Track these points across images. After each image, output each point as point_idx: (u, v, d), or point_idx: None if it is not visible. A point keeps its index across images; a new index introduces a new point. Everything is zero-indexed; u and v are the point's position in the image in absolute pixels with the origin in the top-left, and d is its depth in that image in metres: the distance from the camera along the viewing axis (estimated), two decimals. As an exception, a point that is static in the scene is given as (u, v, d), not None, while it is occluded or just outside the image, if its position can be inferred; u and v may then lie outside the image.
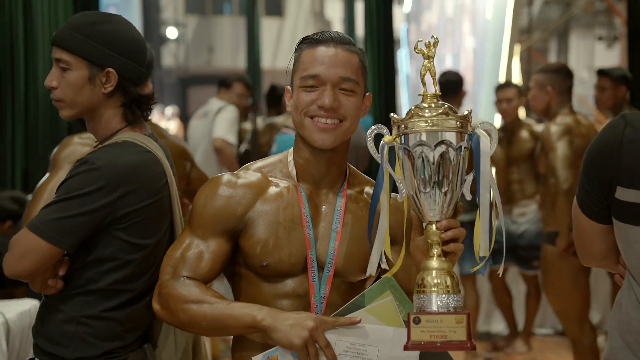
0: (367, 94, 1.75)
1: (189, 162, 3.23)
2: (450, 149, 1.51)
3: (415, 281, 1.54)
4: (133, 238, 1.83)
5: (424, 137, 1.50)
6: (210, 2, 18.55)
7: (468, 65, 8.41)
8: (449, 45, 9.60)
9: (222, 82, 5.70)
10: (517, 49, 6.59)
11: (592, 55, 14.85)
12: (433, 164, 1.50)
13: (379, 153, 1.55)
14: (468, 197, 1.56)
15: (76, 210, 1.78)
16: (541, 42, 14.89)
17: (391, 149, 1.55)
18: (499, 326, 5.39)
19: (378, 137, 1.58)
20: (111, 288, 1.84)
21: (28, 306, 3.32)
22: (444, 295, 1.50)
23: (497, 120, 5.27)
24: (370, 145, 1.57)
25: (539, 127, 4.77)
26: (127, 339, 1.85)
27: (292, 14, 18.63)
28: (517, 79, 6.74)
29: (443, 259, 1.53)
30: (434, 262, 1.53)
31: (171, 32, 17.26)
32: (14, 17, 4.84)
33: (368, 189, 1.76)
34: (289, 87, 1.74)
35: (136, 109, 1.94)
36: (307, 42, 1.71)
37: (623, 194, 1.51)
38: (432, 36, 1.58)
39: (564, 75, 3.96)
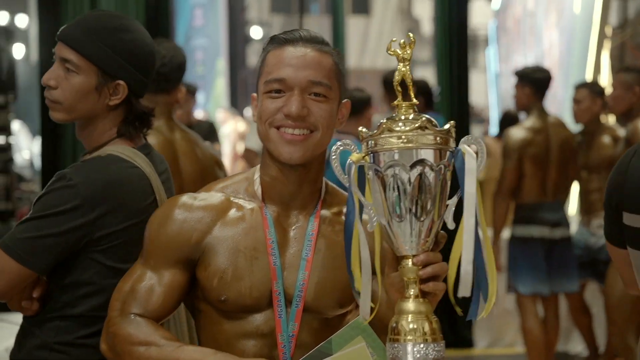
0: (344, 100, 1.50)
1: (222, 172, 3.05)
2: (428, 169, 1.25)
3: (389, 326, 1.28)
4: (112, 262, 1.65)
5: (396, 156, 1.25)
6: (295, 1, 18.56)
7: (553, 63, 8.02)
8: (532, 41, 9.22)
9: None
10: (608, 44, 6.19)
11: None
12: (409, 187, 1.24)
13: (345, 174, 1.30)
14: (451, 225, 1.30)
15: (49, 230, 1.63)
16: (638, 36, 14.16)
17: (360, 169, 1.29)
18: (578, 347, 5.04)
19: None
20: (88, 314, 1.66)
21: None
22: (421, 345, 1.25)
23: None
24: (336, 165, 1.32)
25: (623, 132, 4.39)
26: None
27: (379, 12, 18.41)
28: (605, 77, 6.34)
29: (421, 300, 1.28)
30: (410, 304, 1.28)
31: (256, 32, 17.32)
32: (77, 13, 4.81)
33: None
34: (254, 95, 1.51)
35: (135, 124, 1.76)
36: (274, 42, 1.48)
37: (629, 219, 1.51)
38: (408, 35, 1.32)
39: None
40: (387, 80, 4.74)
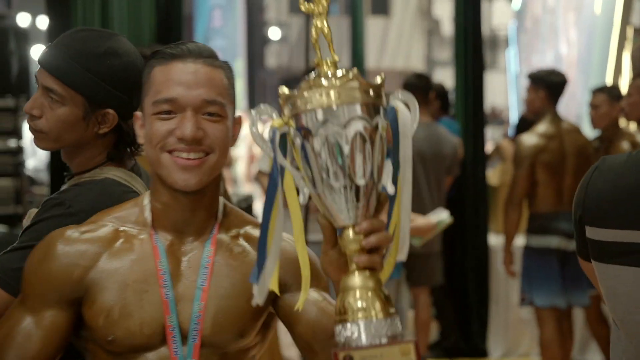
0: (237, 116, 1.39)
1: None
2: (367, 126, 1.13)
3: (336, 307, 1.16)
4: None
5: (322, 116, 1.13)
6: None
7: (571, 63, 7.91)
8: (550, 41, 9.12)
9: None
10: (629, 46, 6.07)
11: None
12: (346, 148, 1.13)
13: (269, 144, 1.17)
14: (391, 190, 1.18)
15: None
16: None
17: (282, 137, 1.17)
18: (595, 357, 4.94)
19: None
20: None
21: None
22: (374, 321, 1.12)
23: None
24: (255, 131, 1.18)
25: (643, 138, 4.28)
26: None
27: (399, 13, 18.32)
28: (626, 80, 6.22)
29: (367, 273, 1.15)
30: (357, 279, 1.15)
31: (274, 33, 17.30)
32: (87, 18, 4.78)
33: (249, 229, 1.41)
34: (138, 113, 1.38)
35: (126, 149, 1.66)
36: (159, 57, 1.35)
37: (590, 232, 1.55)
38: None
39: None
40: (407, 84, 4.68)
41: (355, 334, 1.12)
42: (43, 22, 13.51)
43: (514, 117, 11.39)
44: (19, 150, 5.29)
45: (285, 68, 18.15)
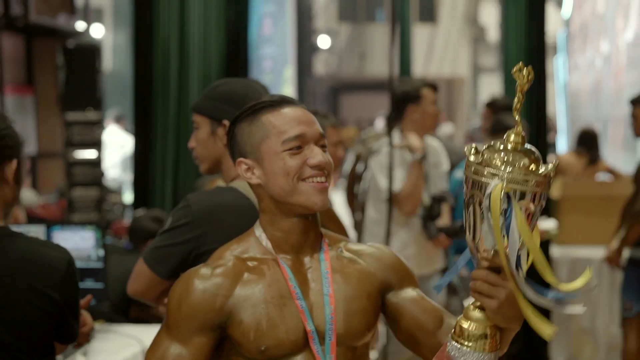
0: None
1: None
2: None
3: (456, 326, 1.45)
4: None
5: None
6: (363, 9, 18.64)
7: (620, 69, 7.97)
8: (599, 46, 9.12)
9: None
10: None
11: None
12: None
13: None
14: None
15: (168, 242, 2.01)
16: None
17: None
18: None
19: None
20: None
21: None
22: (477, 352, 1.42)
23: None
24: (488, 204, 1.36)
25: None
26: None
27: (445, 20, 18.37)
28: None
29: (485, 312, 1.44)
30: (477, 313, 1.45)
31: (323, 40, 17.49)
32: (168, 36, 5.02)
33: (346, 244, 1.67)
34: (242, 159, 1.60)
35: None
36: (264, 106, 1.59)
37: None
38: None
39: None
40: (493, 104, 4.87)
41: (461, 356, 1.42)
42: (97, 31, 13.90)
43: (562, 124, 11.43)
44: (99, 162, 5.57)
45: (333, 75, 18.32)
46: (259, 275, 1.57)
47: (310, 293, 1.58)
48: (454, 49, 18.30)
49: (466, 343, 1.42)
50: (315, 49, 17.29)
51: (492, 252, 1.40)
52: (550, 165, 1.36)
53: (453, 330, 1.45)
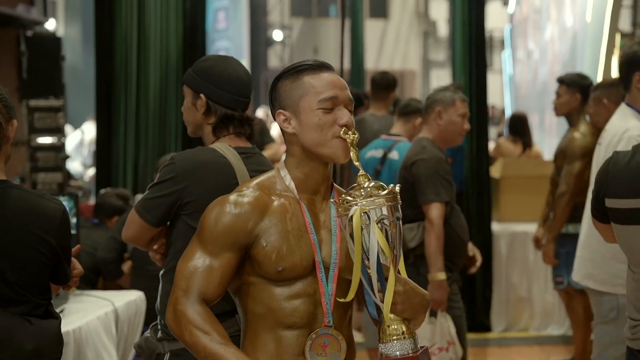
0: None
1: None
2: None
3: (380, 334, 1.77)
4: (194, 224, 2.13)
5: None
6: (315, 5, 18.87)
7: (555, 60, 8.31)
8: (537, 38, 9.48)
9: None
10: (617, 52, 6.50)
11: None
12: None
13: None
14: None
15: (156, 194, 2.28)
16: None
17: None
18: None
19: None
20: None
21: (134, 297, 3.65)
22: (402, 341, 1.75)
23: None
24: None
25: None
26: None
27: (396, 15, 18.71)
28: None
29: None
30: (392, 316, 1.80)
31: (277, 35, 17.70)
32: (129, 29, 5.24)
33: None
34: (282, 111, 1.85)
35: (226, 127, 2.36)
36: (307, 68, 1.84)
37: (610, 203, 2.32)
38: None
39: (621, 86, 3.95)
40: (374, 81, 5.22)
41: (391, 349, 1.74)
42: (75, 30, 13.89)
43: (508, 115, 11.82)
44: (62, 147, 5.74)
45: (287, 69, 18.40)
46: (282, 209, 1.82)
47: (321, 231, 1.85)
48: (405, 44, 18.66)
49: (393, 339, 1.74)
50: (270, 42, 17.50)
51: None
52: (390, 186, 1.74)
53: (379, 338, 1.76)
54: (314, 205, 1.87)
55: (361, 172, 1.76)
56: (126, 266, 4.28)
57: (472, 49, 5.53)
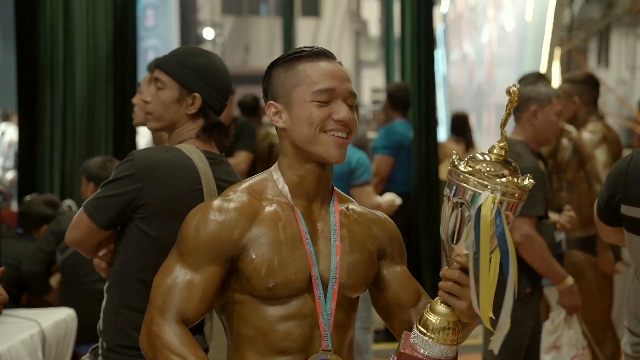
0: None
1: None
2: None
3: (421, 316, 1.55)
4: (148, 229, 2.01)
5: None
6: (246, 3, 18.63)
7: (492, 60, 8.33)
8: (473, 38, 9.49)
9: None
10: (558, 52, 6.50)
11: (634, 55, 14.61)
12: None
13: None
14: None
15: (110, 192, 2.05)
16: (581, 42, 14.68)
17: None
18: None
19: None
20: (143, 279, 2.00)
21: (63, 315, 3.33)
22: (439, 345, 1.52)
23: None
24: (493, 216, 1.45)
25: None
26: None
27: (329, 15, 18.62)
28: (557, 82, 6.65)
29: (450, 308, 1.54)
30: (441, 308, 1.54)
31: (208, 33, 17.36)
32: (54, 21, 4.89)
33: (353, 206, 1.73)
34: (273, 102, 1.64)
35: (213, 134, 2.16)
36: (303, 55, 1.62)
37: (626, 210, 2.09)
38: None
39: (592, 86, 3.89)
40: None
41: (424, 347, 1.51)
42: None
43: (441, 116, 11.84)
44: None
45: (218, 68, 18.11)
46: (274, 216, 1.61)
47: (319, 241, 1.62)
48: (337, 43, 18.59)
49: (429, 334, 1.51)
50: (200, 41, 17.14)
51: (469, 256, 1.47)
52: (531, 180, 1.47)
53: (418, 319, 1.54)
54: (311, 212, 1.65)
55: (502, 143, 1.49)
56: (54, 280, 3.93)
57: (421, 48, 5.41)
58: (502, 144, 1.49)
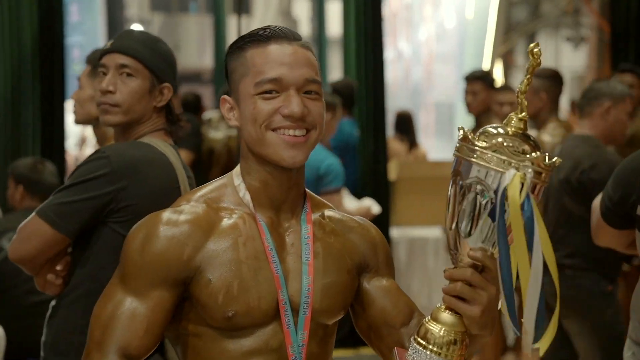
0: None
1: None
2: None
3: (421, 327, 1.30)
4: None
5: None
6: (176, 0, 18.30)
7: (430, 58, 8.33)
8: (409, 36, 9.50)
9: None
10: (501, 50, 6.48)
11: (559, 57, 14.93)
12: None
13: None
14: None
15: (79, 196, 1.79)
16: (509, 42, 14.93)
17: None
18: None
19: None
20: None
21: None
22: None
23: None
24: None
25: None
26: None
27: (260, 12, 18.42)
28: (501, 80, 6.64)
29: (457, 316, 1.28)
30: (446, 317, 1.29)
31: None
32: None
33: (330, 212, 1.49)
34: (226, 97, 1.43)
35: (176, 129, 1.98)
36: (252, 40, 1.39)
37: None
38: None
39: (558, 83, 3.84)
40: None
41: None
42: None
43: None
44: None
45: (147, 66, 17.74)
46: (233, 230, 1.37)
47: (288, 258, 1.39)
48: (268, 42, 18.41)
49: (432, 348, 1.26)
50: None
51: (487, 250, 1.24)
52: (557, 158, 1.23)
53: (417, 331, 1.31)
54: (278, 224, 1.41)
55: (522, 114, 1.26)
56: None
57: (368, 45, 5.29)
58: (521, 115, 1.26)
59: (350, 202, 3.97)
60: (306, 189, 1.48)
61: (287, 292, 1.37)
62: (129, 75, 1.92)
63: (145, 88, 1.92)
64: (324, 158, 3.75)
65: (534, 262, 1.18)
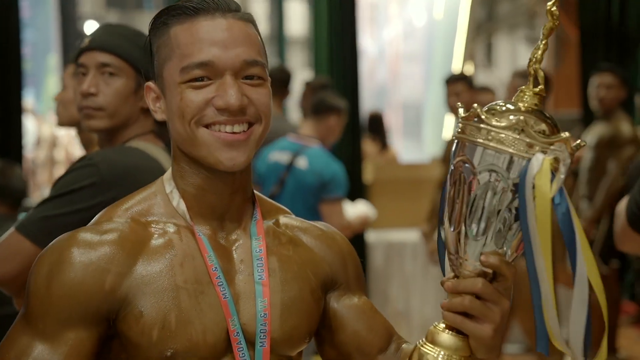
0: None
1: None
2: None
3: (417, 350, 1.07)
4: None
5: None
6: (131, -4, 18.00)
7: (397, 58, 8.24)
8: (373, 34, 9.41)
9: None
10: (471, 49, 6.42)
11: (516, 56, 15.01)
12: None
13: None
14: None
15: (65, 209, 1.61)
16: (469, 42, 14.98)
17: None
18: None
19: None
20: None
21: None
22: None
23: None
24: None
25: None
26: None
27: (217, 10, 18.27)
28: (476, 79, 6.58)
29: (460, 337, 1.05)
30: (446, 338, 1.05)
31: (90, 27, 16.55)
32: None
33: (286, 217, 1.25)
34: (150, 84, 1.18)
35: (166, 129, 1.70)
36: (176, 14, 1.12)
37: None
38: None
39: (546, 83, 3.77)
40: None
41: None
42: None
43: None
44: None
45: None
46: (167, 249, 1.11)
47: (237, 279, 1.14)
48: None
49: None
50: (82, 35, 16.29)
51: (503, 254, 1.02)
52: (583, 140, 1.01)
53: (409, 356, 1.09)
54: (223, 238, 1.16)
55: (538, 88, 1.04)
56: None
57: (344, 44, 5.16)
58: (538, 89, 1.05)
59: (350, 210, 3.77)
60: (255, 192, 1.22)
61: (239, 320, 1.12)
62: (111, 74, 1.71)
63: (131, 88, 1.72)
64: (328, 164, 3.53)
65: (578, 267, 0.97)
